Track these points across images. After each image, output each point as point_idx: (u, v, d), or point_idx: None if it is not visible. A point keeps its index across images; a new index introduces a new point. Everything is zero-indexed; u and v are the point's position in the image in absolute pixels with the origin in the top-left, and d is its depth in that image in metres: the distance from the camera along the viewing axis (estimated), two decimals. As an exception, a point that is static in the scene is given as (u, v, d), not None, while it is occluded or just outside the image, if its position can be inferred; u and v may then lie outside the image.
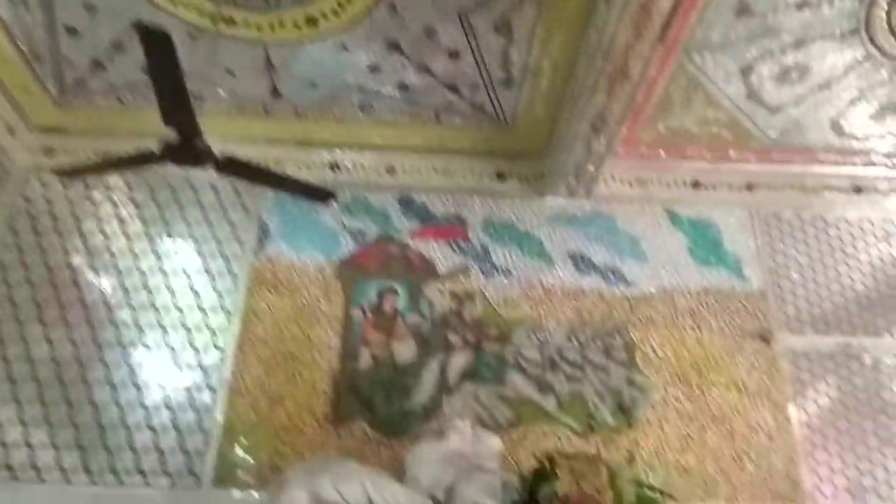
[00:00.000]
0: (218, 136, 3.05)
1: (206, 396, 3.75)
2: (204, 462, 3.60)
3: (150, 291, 4.03)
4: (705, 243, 4.39)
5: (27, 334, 3.86)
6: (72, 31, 3.74)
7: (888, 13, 3.44)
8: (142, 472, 3.57)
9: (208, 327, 3.93)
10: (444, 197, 4.42)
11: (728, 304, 4.20)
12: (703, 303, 4.19)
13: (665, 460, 3.74)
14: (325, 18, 3.59)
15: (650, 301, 4.18)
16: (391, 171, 4.45)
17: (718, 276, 4.28)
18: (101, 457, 3.60)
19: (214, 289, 4.05)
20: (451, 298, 4.11)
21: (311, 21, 3.60)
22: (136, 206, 4.28)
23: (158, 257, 4.13)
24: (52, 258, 4.08)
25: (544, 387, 3.90)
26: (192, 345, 3.88)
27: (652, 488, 3.12)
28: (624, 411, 3.86)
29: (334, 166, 4.45)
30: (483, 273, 4.20)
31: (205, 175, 4.30)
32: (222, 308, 3.99)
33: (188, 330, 3.92)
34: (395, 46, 3.75)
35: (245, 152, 3.33)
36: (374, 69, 3.91)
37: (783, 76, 3.82)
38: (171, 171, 4.26)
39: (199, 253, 4.16)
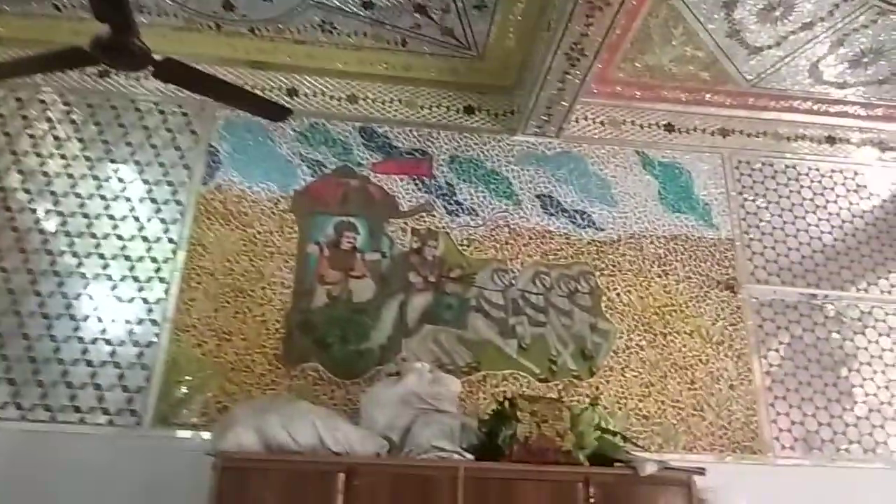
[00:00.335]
0: (162, 54, 2.76)
1: (148, 330, 3.51)
2: (145, 399, 3.38)
3: (88, 218, 3.73)
4: (676, 188, 4.26)
5: (-50, 260, 3.55)
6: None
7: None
8: (77, 409, 3.35)
9: (151, 258, 3.67)
10: (408, 130, 4.18)
11: (696, 251, 4.10)
12: (670, 249, 4.09)
13: (626, 407, 3.67)
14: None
15: (618, 246, 4.06)
16: (353, 99, 4.18)
17: (688, 223, 4.17)
18: (33, 392, 3.36)
19: (159, 218, 3.77)
20: (413, 236, 3.92)
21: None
22: (75, 126, 3.93)
23: (98, 182, 3.82)
24: (-21, 179, 3.75)
25: (506, 330, 3.78)
26: (133, 276, 3.62)
27: (614, 433, 3.03)
28: (586, 357, 3.77)
29: (292, 92, 4.15)
30: (447, 211, 4.01)
31: (150, 94, 4.01)
32: (167, 238, 3.72)
33: (130, 260, 3.65)
34: (360, -41, 3.46)
35: (192, 70, 3.03)
36: (336, -17, 3.62)
37: (767, 13, 3.64)
38: (114, 89, 4.02)
39: (143, 179, 3.86)
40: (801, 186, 4.39)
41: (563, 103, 3.93)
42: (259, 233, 3.78)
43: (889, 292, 4.13)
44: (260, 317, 3.59)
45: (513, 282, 3.90)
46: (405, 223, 3.94)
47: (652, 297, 3.96)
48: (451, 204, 4.03)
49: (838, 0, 3.55)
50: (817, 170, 4.44)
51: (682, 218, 4.19)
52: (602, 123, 4.35)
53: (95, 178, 3.83)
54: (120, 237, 3.70)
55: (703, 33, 3.82)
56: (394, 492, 2.75)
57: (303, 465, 2.73)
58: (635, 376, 3.76)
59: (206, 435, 3.20)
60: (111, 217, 3.75)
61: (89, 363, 3.43)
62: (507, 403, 3.00)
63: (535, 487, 2.81)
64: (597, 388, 3.67)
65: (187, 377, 3.43)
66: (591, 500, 2.80)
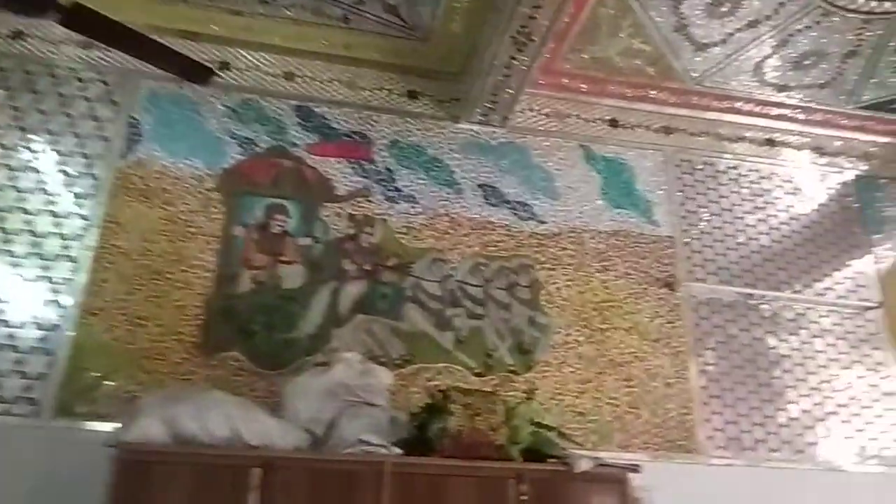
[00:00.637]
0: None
1: (52, 312, 3.22)
2: (46, 387, 3.09)
3: (-10, 189, 3.41)
4: (618, 184, 4.21)
5: None
6: None
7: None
8: (-33, 397, 3.04)
9: (60, 235, 3.37)
10: (348, 111, 3.99)
11: (636, 247, 4.05)
12: (611, 245, 4.03)
13: (562, 403, 3.58)
14: None
15: (559, 240, 3.97)
16: (290, 76, 3.97)
17: (629, 219, 4.12)
18: (-83, 378, 3.03)
19: (71, 192, 3.48)
20: (349, 222, 3.73)
21: None
22: (-19, 90, 3.61)
23: (5, 150, 3.50)
24: None
25: (443, 322, 3.63)
26: (38, 253, 3.32)
27: (549, 428, 2.92)
28: (523, 352, 3.66)
29: (224, 66, 3.91)
30: (386, 198, 3.84)
31: (69, 61, 3.72)
32: (79, 214, 3.43)
33: (35, 236, 3.35)
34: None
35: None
36: (274, -49, 3.41)
37: (714, 8, 3.62)
38: (29, 53, 3.71)
39: (56, 150, 3.56)
40: (741, 187, 4.40)
41: (509, 91, 3.82)
42: (181, 212, 3.53)
43: (822, 294, 4.17)
44: (178, 301, 3.34)
45: (451, 273, 3.76)
46: (341, 208, 3.75)
47: (591, 292, 3.89)
48: (390, 190, 3.86)
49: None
50: (757, 171, 4.47)
51: (624, 214, 4.13)
52: (547, 115, 4.26)
53: (2, 146, 3.51)
54: (26, 211, 3.40)
55: (650, 27, 3.77)
56: (314, 488, 2.57)
57: (214, 459, 2.52)
58: (572, 372, 3.67)
59: (112, 427, 2.94)
60: (17, 189, 3.44)
61: (-17, 347, 3.12)
62: (440, 396, 2.85)
63: (465, 484, 2.67)
64: (533, 384, 3.55)
65: (95, 364, 3.15)
66: (523, 497, 2.68)
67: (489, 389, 3.29)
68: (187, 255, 3.44)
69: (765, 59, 4.01)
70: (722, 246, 4.19)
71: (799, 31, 3.75)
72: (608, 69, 4.10)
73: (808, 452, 3.75)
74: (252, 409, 2.71)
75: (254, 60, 3.95)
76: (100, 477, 2.40)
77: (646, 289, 3.96)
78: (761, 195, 4.40)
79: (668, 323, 3.90)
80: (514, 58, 3.55)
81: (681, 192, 4.29)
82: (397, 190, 3.87)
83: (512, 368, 3.60)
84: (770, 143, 4.54)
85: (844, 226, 4.43)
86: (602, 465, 2.84)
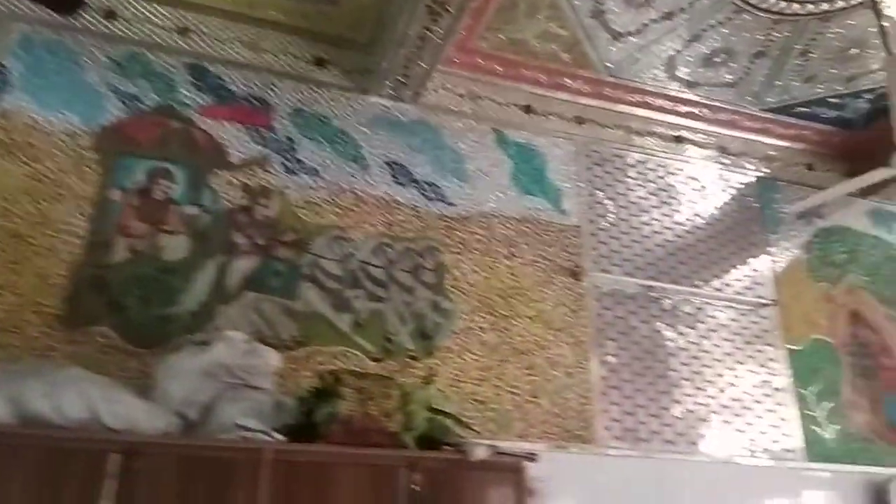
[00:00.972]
0: None
1: None
2: None
3: None
4: (529, 171, 4.13)
5: None
6: None
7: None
8: None
9: None
10: (247, 74, 3.70)
11: (544, 235, 3.98)
12: (519, 231, 3.94)
13: (461, 391, 3.44)
14: None
15: (467, 223, 3.84)
16: (184, 32, 3.64)
17: (538, 207, 4.05)
18: None
19: (-83, 140, 3.04)
20: (243, 192, 3.46)
21: None
22: None
23: None
24: None
25: (341, 304, 3.42)
26: None
27: (446, 414, 2.77)
28: (425, 337, 3.51)
29: (110, 14, 3.54)
30: (286, 169, 3.59)
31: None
32: (-75, 166, 3.01)
33: None
34: None
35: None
36: None
37: (632, -5, 3.60)
38: None
39: None
40: (648, 181, 4.42)
41: (422, 65, 3.65)
42: (49, 170, 3.16)
43: (720, 290, 4.24)
44: (40, 269, 2.98)
45: (353, 252, 3.56)
46: (234, 177, 3.47)
47: (497, 278, 3.78)
48: (290, 161, 3.61)
49: (698, -8, 3.57)
50: (664, 167, 4.50)
51: (534, 201, 4.06)
52: (461, 96, 4.12)
53: None
54: None
55: (567, 10, 3.70)
56: (183, 476, 2.32)
57: (66, 442, 2.23)
58: (474, 359, 3.55)
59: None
60: None
61: None
62: (331, 379, 2.65)
63: (354, 472, 2.49)
64: (433, 370, 3.40)
65: (-66, 335, 2.76)
66: (415, 487, 2.52)
67: (385, 374, 3.11)
68: (54, 219, 3.08)
69: (677, 54, 4.03)
70: (627, 238, 4.19)
71: (711, 26, 3.78)
72: (524, 52, 4.01)
73: (701, 445, 3.79)
74: (115, 389, 2.42)
75: (144, 11, 3.60)
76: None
77: (552, 277, 3.89)
78: (667, 190, 4.44)
79: (572, 312, 3.85)
80: (428, 29, 3.38)
81: (590, 182, 4.26)
82: (298, 161, 3.62)
83: (412, 354, 3.44)
84: (678, 139, 4.59)
85: (744, 224, 4.54)
86: (499, 453, 2.73)
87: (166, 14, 3.63)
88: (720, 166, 4.65)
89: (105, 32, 3.49)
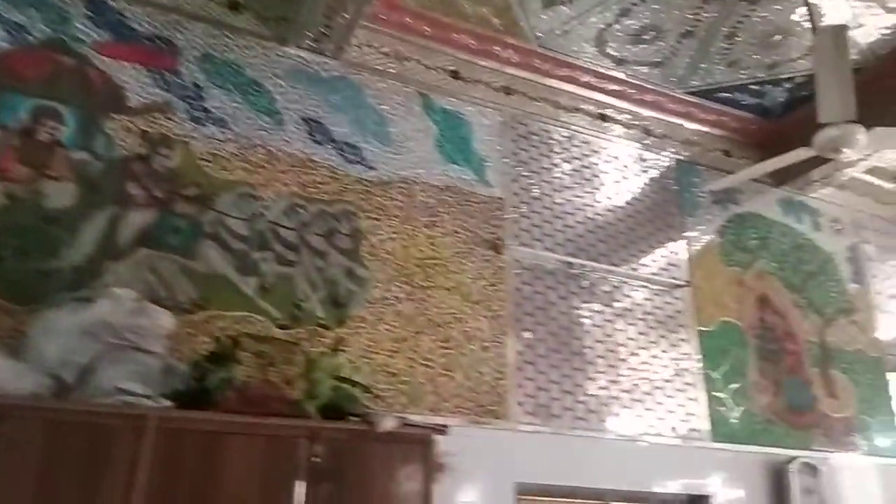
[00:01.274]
0: None
1: None
2: None
3: None
4: (455, 138, 3.99)
5: None
6: None
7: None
8: None
9: None
10: (152, 12, 3.38)
11: (467, 206, 3.87)
12: (441, 200, 3.80)
13: (373, 362, 3.29)
14: None
15: (387, 188, 3.68)
16: (81, -42, 3.29)
17: (462, 176, 3.92)
18: None
19: None
20: (141, 140, 3.16)
21: None
22: None
23: None
24: None
25: (247, 266, 3.20)
26: None
27: (354, 383, 2.62)
28: (337, 305, 3.33)
29: (-7, -69, 3.15)
30: (191, 117, 3.31)
31: None
32: None
33: None
34: None
35: None
36: None
37: (566, -40, 3.50)
38: None
39: None
40: (572, 158, 4.37)
41: (345, 16, 3.44)
42: (-88, 99, 2.78)
43: (637, 269, 4.25)
44: None
45: (262, 211, 3.33)
46: (132, 122, 3.17)
47: (416, 247, 3.64)
48: (196, 109, 3.33)
49: (632, -39, 3.51)
50: (588, 144, 4.46)
51: (458, 170, 3.93)
52: (386, 55, 3.93)
53: None
54: None
55: (501, -29, 3.57)
56: (54, 443, 2.09)
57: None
58: (388, 329, 3.40)
59: None
60: None
61: None
62: (228, 342, 2.44)
63: (248, 443, 2.31)
64: (344, 340, 3.23)
65: None
66: (316, 459, 2.36)
67: (289, 339, 2.92)
68: (-86, 155, 2.71)
69: (607, 28, 3.97)
70: (549, 213, 4.13)
71: (643, 0, 3.73)
72: (454, 13, 3.86)
73: (611, 423, 3.79)
74: (-26, 345, 2.14)
75: (34, -69, 3.22)
76: None
77: (472, 249, 3.78)
78: (590, 168, 4.40)
79: (491, 285, 3.76)
80: (352, -24, 3.17)
81: (515, 155, 4.16)
82: (205, 110, 3.35)
83: (322, 322, 3.25)
84: (603, 118, 4.56)
85: (663, 206, 4.56)
86: (408, 425, 2.60)
87: (60, -63, 3.26)
88: (642, 147, 4.65)
89: (-13, -48, 3.10)
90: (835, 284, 4.98)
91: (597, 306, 4.03)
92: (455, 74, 4.11)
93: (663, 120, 4.72)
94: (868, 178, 5.35)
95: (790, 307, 4.69)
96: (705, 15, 3.82)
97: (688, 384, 4.10)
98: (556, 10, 3.83)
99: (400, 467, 2.54)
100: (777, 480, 4.03)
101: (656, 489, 3.78)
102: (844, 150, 3.08)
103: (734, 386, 4.23)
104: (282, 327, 3.13)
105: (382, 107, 3.83)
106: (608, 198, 4.38)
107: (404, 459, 2.57)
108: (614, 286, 4.14)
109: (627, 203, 4.44)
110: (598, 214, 4.30)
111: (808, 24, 3.71)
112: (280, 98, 3.56)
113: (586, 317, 3.97)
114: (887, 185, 5.47)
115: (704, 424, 4.05)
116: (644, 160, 4.63)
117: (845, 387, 4.64)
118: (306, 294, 3.27)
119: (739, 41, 4.03)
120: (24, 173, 2.88)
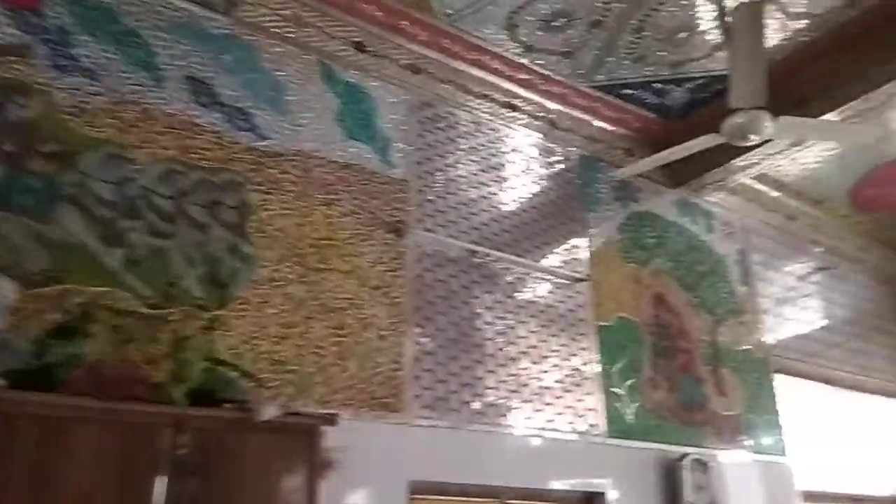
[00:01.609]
0: None
1: None
2: None
3: None
4: (357, 114, 3.75)
5: None
6: None
7: None
8: None
9: None
10: (10, -60, 2.94)
11: (367, 185, 3.63)
12: (340, 178, 3.55)
13: (257, 349, 2.98)
14: None
15: (281, 161, 3.38)
16: None
17: (364, 154, 3.68)
18: None
19: None
20: (-10, 85, 2.72)
21: None
22: None
23: None
24: None
25: (112, 236, 2.81)
26: None
27: (231, 366, 2.31)
28: (218, 284, 2.99)
29: None
30: (54, 64, 2.88)
31: None
32: None
33: None
34: None
35: None
36: None
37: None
38: None
39: None
40: (480, 145, 4.22)
41: (240, -34, 3.13)
42: None
43: (539, 262, 4.15)
44: None
45: (134, 175, 2.95)
46: (-22, 63, 2.72)
47: (311, 226, 3.36)
48: (61, 56, 2.91)
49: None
50: (496, 132, 4.34)
51: (359, 147, 3.68)
52: (286, 18, 3.63)
53: None
54: None
55: (413, -63, 3.37)
56: None
57: None
58: (276, 314, 3.10)
59: None
60: None
61: None
62: (78, 312, 2.08)
63: (100, 431, 1.97)
64: (225, 324, 2.91)
65: None
66: (182, 451, 2.04)
67: (154, 314, 2.57)
68: None
69: (518, 11, 3.85)
70: (454, 199, 3.96)
71: (553, -17, 3.65)
72: (361, -22, 3.62)
73: (510, 417, 3.65)
74: None
75: None
76: None
77: (372, 231, 3.55)
78: (496, 156, 4.28)
79: (390, 271, 3.53)
80: (250, -79, 2.87)
81: (421, 137, 3.97)
82: (71, 58, 2.93)
83: (200, 303, 2.90)
84: (511, 107, 4.45)
85: (566, 200, 4.51)
86: (292, 413, 2.32)
87: None
88: (548, 140, 4.58)
89: None
90: (725, 286, 5.12)
91: (499, 297, 3.89)
92: (360, 46, 3.86)
93: (569, 114, 4.67)
94: (756, 185, 5.57)
95: (684, 306, 4.76)
96: (615, 5, 3.77)
97: (586, 379, 4.04)
98: (466, -13, 3.67)
99: (281, 461, 2.26)
100: (669, 477, 4.03)
101: (553, 486, 3.68)
102: (752, 136, 3.11)
103: (630, 382, 4.22)
104: (152, 307, 2.75)
105: (278, 73, 3.53)
106: (513, 188, 4.27)
107: (287, 453, 2.29)
108: (517, 277, 4.02)
109: (532, 194, 4.35)
110: (503, 204, 4.18)
111: (713, 20, 3.74)
112: (161, 52, 3.18)
113: (488, 307, 3.83)
114: (773, 193, 5.71)
115: (601, 420, 3.99)
116: (549, 152, 4.56)
117: (734, 385, 4.75)
118: (182, 270, 2.91)
119: (647, 36, 4.03)
120: None
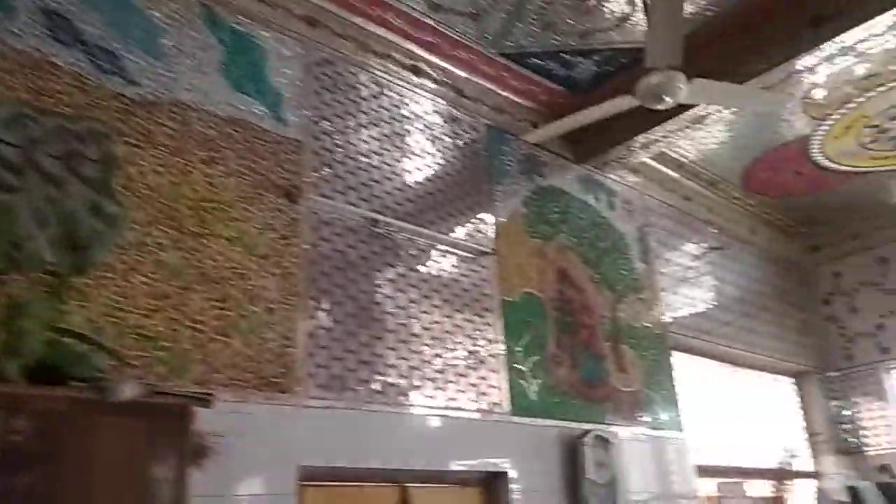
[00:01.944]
0: None
1: None
2: None
3: None
4: (245, 65, 3.38)
5: None
6: None
7: None
8: None
9: None
10: None
11: (256, 144, 3.28)
12: (225, 134, 3.18)
13: (123, 322, 2.60)
14: None
15: (155, 110, 2.98)
16: None
17: (252, 109, 3.33)
18: None
19: None
20: None
21: None
22: None
23: None
24: None
25: (-60, 187, 2.35)
26: None
27: (82, 337, 1.95)
28: (75, 247, 2.58)
29: None
30: None
31: None
32: None
33: None
34: None
35: None
36: None
37: None
38: None
39: None
40: (382, 108, 3.96)
41: None
42: None
43: (445, 234, 3.95)
44: None
45: (-28, 118, 2.48)
46: None
47: (190, 185, 2.99)
48: None
49: None
50: (399, 96, 4.08)
51: (247, 101, 3.33)
52: (162, -48, 3.22)
53: None
54: None
55: None
56: None
57: None
58: (146, 283, 2.73)
59: None
60: None
61: None
62: None
63: None
64: (84, 293, 2.52)
65: None
66: (15, 437, 1.68)
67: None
68: None
69: (426, -39, 3.61)
70: (353, 164, 3.68)
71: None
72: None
73: (411, 396, 3.44)
74: None
75: None
76: None
77: (261, 194, 3.21)
78: (400, 121, 4.02)
79: (282, 238, 3.22)
80: None
81: (318, 95, 3.65)
82: None
83: (52, 269, 2.49)
84: (415, 70, 4.20)
85: (472, 171, 4.33)
86: (157, 393, 1.99)
87: None
88: (454, 107, 4.37)
89: None
90: (625, 263, 5.12)
91: (400, 270, 3.66)
92: (250, -8, 3.50)
93: (476, 83, 4.48)
94: (656, 164, 5.61)
95: (587, 282, 4.71)
96: (528, -38, 3.61)
97: (490, 356, 3.89)
98: (370, -69, 3.38)
99: (144, 448, 1.93)
100: (571, 454, 3.96)
101: (454, 467, 3.50)
102: (666, 97, 3.02)
103: (534, 358, 4.11)
104: (-9, 272, 2.33)
105: (153, 12, 3.12)
106: (417, 156, 4.04)
107: (151, 439, 1.95)
108: (420, 250, 3.80)
109: (437, 164, 4.13)
110: (406, 172, 3.93)
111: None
112: (9, -23, 2.71)
113: (390, 280, 3.58)
114: (672, 173, 5.78)
115: (504, 398, 3.86)
116: (455, 121, 4.35)
117: (633, 362, 4.76)
118: (30, 230, 2.48)
119: (556, 1, 3.89)
120: None
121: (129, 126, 2.88)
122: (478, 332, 3.89)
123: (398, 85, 4.10)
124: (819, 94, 4.79)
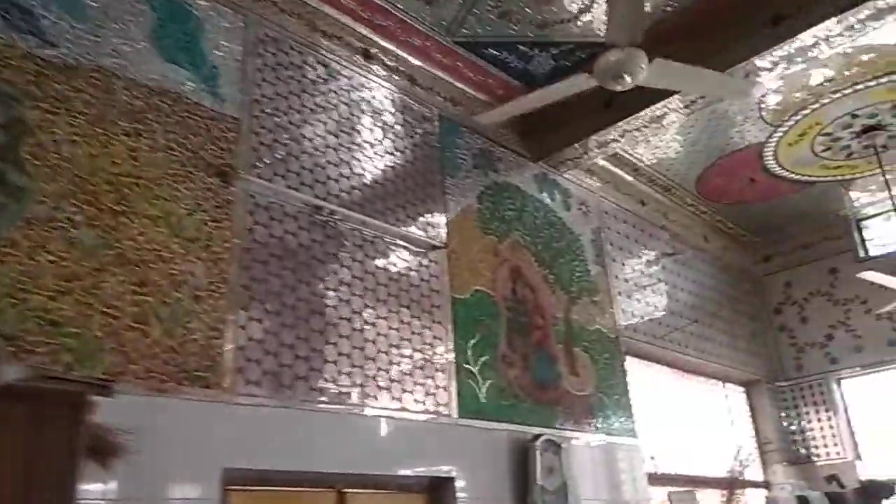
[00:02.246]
0: None
1: None
2: None
3: None
4: (178, 34, 3.13)
5: None
6: None
7: None
8: None
9: None
10: None
11: (188, 119, 3.03)
12: (153, 105, 2.93)
13: (25, 304, 2.32)
14: None
15: (75, 76, 2.71)
16: None
17: (185, 81, 3.08)
18: None
19: None
20: None
21: None
22: None
23: None
24: None
25: None
26: None
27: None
28: (-28, 219, 2.30)
29: None
30: None
31: None
32: None
33: None
34: None
35: None
36: None
37: None
38: None
39: None
40: (330, 90, 3.74)
41: None
42: None
43: (393, 225, 3.74)
44: None
45: None
46: None
47: (111, 158, 2.72)
48: None
49: None
50: (349, 79, 3.87)
51: (179, 73, 3.07)
52: None
53: None
54: None
55: None
56: None
57: None
58: (54, 262, 2.45)
59: None
60: None
61: None
62: None
63: None
64: (-22, 270, 2.24)
65: None
66: None
67: None
68: None
69: (379, -63, 3.42)
70: (297, 147, 3.45)
71: None
72: None
73: (352, 396, 3.21)
74: None
75: None
76: None
77: (190, 173, 2.96)
78: (349, 105, 3.81)
79: (213, 221, 2.96)
80: None
81: (259, 71, 3.42)
82: None
83: (-60, 243, 2.20)
84: (367, 55, 4.01)
85: (424, 162, 4.14)
86: (48, 378, 1.73)
87: None
88: (406, 96, 4.18)
89: None
90: (580, 265, 4.99)
91: (345, 260, 3.44)
92: (186, -43, 3.26)
93: (429, 71, 4.31)
94: (612, 167, 5.53)
95: (540, 282, 4.56)
96: (484, -58, 3.46)
97: (438, 355, 3.68)
98: None
99: (26, 438, 1.66)
100: (522, 459, 3.78)
101: (398, 472, 3.28)
102: (626, 77, 2.88)
103: (484, 359, 3.92)
104: None
105: (77, -29, 2.85)
106: (367, 143, 3.83)
107: (37, 428, 1.69)
108: (367, 240, 3.58)
109: (387, 153, 3.93)
110: (354, 160, 3.72)
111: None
112: None
113: (332, 271, 3.36)
114: (627, 177, 5.70)
115: (453, 400, 3.66)
116: (408, 109, 4.17)
117: (586, 365, 4.62)
118: (-83, 197, 2.20)
119: (514, -13, 3.76)
120: None
121: (42, 90, 2.60)
122: (426, 330, 3.69)
123: (348, 68, 3.89)
124: (774, 99, 4.77)
